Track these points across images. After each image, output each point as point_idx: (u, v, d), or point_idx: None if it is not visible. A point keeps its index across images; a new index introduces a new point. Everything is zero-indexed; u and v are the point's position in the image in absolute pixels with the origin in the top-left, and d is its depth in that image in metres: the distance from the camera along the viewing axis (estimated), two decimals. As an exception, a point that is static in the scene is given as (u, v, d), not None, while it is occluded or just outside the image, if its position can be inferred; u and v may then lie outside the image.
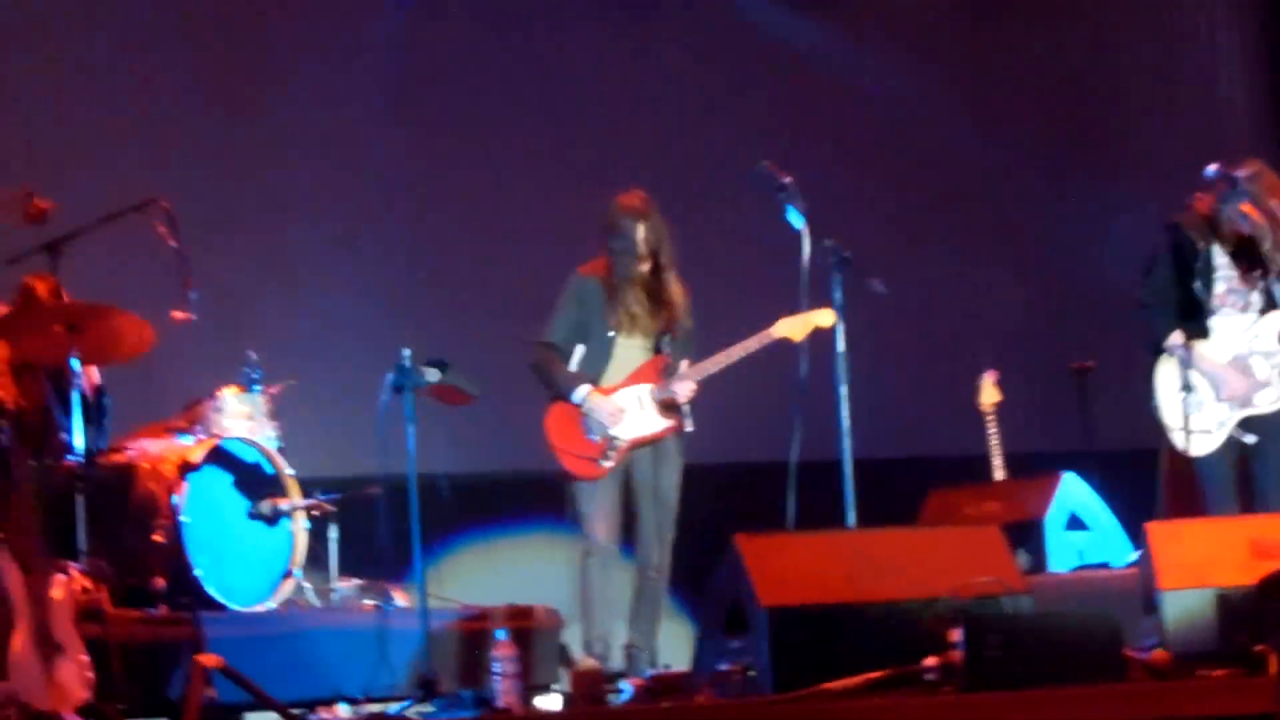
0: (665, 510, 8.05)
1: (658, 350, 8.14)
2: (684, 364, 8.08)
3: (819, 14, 11.19)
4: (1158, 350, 8.01)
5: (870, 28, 11.31)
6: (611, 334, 8.06)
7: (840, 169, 10.60)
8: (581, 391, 8.04)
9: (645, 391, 8.09)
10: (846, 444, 7.70)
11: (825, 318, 7.92)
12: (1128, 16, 11.52)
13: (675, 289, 8.14)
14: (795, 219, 7.86)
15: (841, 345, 7.76)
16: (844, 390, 7.74)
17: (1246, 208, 7.93)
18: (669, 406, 8.07)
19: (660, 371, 8.10)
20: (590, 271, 8.17)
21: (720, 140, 10.57)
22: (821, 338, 7.80)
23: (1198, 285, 7.93)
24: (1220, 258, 7.98)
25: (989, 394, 9.40)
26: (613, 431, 8.01)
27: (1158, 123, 11.34)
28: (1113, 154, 11.30)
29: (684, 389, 8.04)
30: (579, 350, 8.11)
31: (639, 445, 8.06)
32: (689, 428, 8.06)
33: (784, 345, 7.95)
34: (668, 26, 11.09)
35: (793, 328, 7.99)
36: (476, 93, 10.82)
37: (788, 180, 7.89)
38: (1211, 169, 8.00)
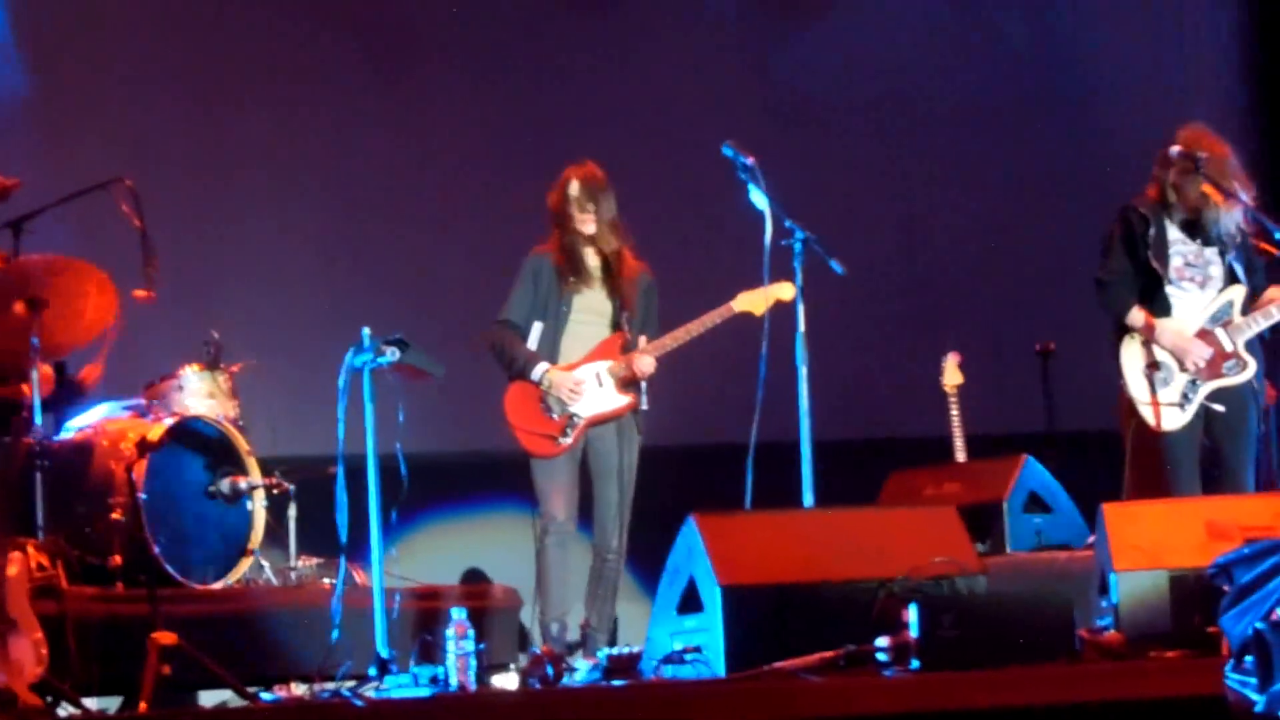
0: (623, 490, 8.07)
1: (616, 327, 8.15)
2: (642, 340, 8.11)
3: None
4: (1120, 329, 8.03)
5: (839, 6, 11.31)
6: (566, 309, 8.10)
7: (805, 149, 10.60)
8: (540, 369, 8.08)
9: (604, 368, 8.12)
10: (805, 425, 7.67)
11: (785, 291, 7.92)
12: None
13: (630, 263, 8.17)
14: (758, 199, 7.83)
15: (802, 325, 7.71)
16: (803, 371, 7.71)
17: (1208, 189, 7.96)
18: (628, 383, 8.09)
19: (619, 348, 8.12)
20: (546, 249, 8.18)
21: (685, 118, 10.56)
22: (782, 319, 7.78)
23: (1154, 262, 7.95)
24: (1174, 233, 8.00)
25: (951, 375, 9.42)
26: (572, 409, 8.04)
27: (1127, 106, 11.33)
28: (1079, 134, 11.29)
29: (644, 365, 8.06)
30: (536, 328, 8.13)
31: (597, 422, 8.08)
32: (644, 405, 8.09)
33: (745, 326, 7.97)
34: (635, 5, 11.09)
35: (753, 301, 8.05)
36: (442, 72, 10.81)
37: (751, 160, 7.85)
38: (1174, 149, 8.01)
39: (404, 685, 6.82)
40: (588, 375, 8.11)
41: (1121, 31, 11.56)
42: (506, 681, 7.55)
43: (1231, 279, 8.01)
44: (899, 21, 11.31)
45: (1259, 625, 5.50)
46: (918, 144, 11.09)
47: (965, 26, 11.44)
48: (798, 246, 7.78)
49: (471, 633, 6.89)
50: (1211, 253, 8.01)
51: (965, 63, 11.36)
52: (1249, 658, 5.52)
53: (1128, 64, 11.52)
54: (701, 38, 11.07)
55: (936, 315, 10.71)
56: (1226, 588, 5.76)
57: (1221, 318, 7.98)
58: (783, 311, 7.82)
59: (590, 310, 8.18)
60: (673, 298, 8.29)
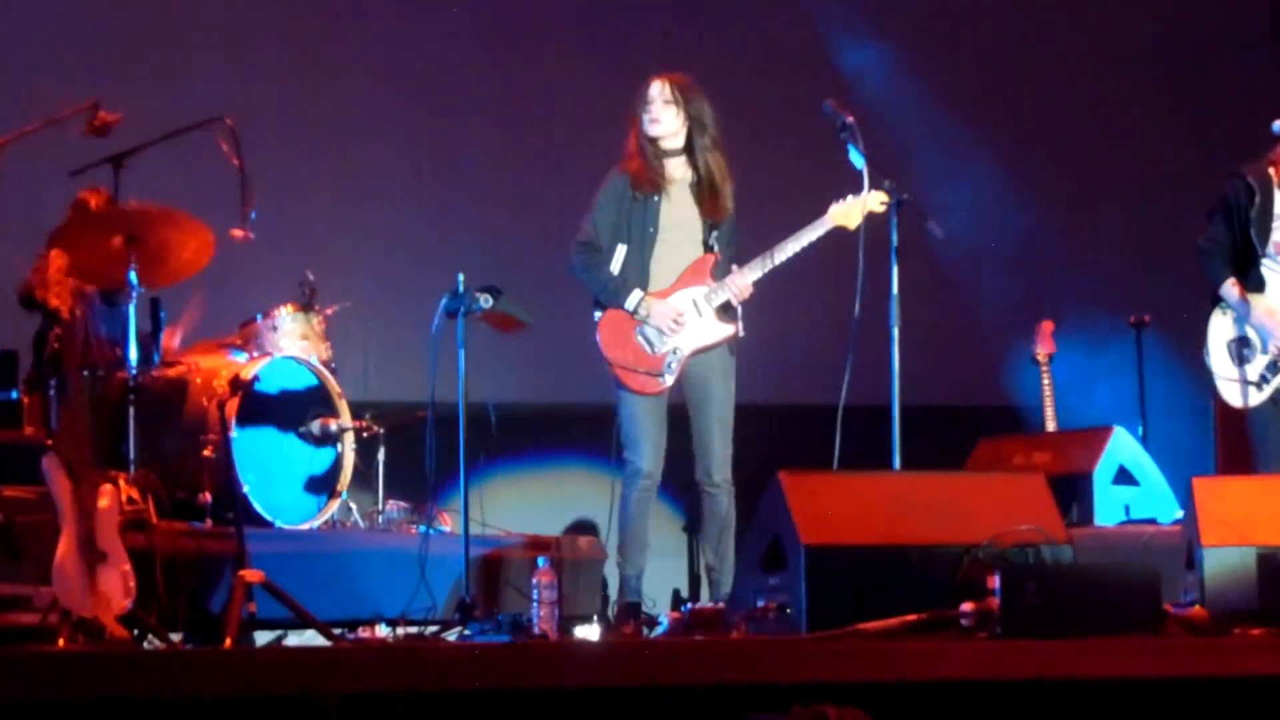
0: (725, 420, 7.68)
1: (706, 247, 7.74)
2: (733, 266, 7.69)
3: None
4: (1215, 300, 7.95)
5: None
6: (654, 229, 7.65)
7: (904, 111, 10.53)
8: (635, 298, 7.62)
9: (701, 295, 7.67)
10: (895, 388, 7.62)
11: (876, 201, 7.64)
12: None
13: (720, 173, 7.70)
14: (856, 159, 7.66)
15: (895, 288, 7.64)
16: (896, 333, 7.64)
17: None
18: (726, 309, 7.69)
19: (712, 270, 7.70)
20: (626, 166, 7.73)
21: (785, 76, 10.52)
22: (878, 281, 7.69)
23: (1253, 234, 7.85)
24: None
25: (1044, 344, 9.37)
26: (673, 341, 7.63)
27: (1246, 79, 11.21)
28: (1183, 106, 11.19)
29: (742, 288, 7.64)
30: (620, 250, 7.67)
31: (699, 354, 7.68)
32: (741, 332, 7.71)
33: (840, 285, 7.79)
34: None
35: (847, 214, 7.67)
36: (548, 18, 10.78)
37: (850, 119, 7.69)
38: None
39: (488, 631, 6.86)
40: (686, 303, 7.65)
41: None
42: (589, 633, 7.57)
43: None
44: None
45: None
46: (1022, 107, 11.01)
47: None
48: (894, 208, 7.67)
49: (556, 581, 6.93)
50: None
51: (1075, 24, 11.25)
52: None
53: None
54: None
55: (1032, 281, 10.64)
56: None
57: None
58: (879, 273, 7.70)
59: (677, 228, 7.69)
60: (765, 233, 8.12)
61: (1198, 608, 6.53)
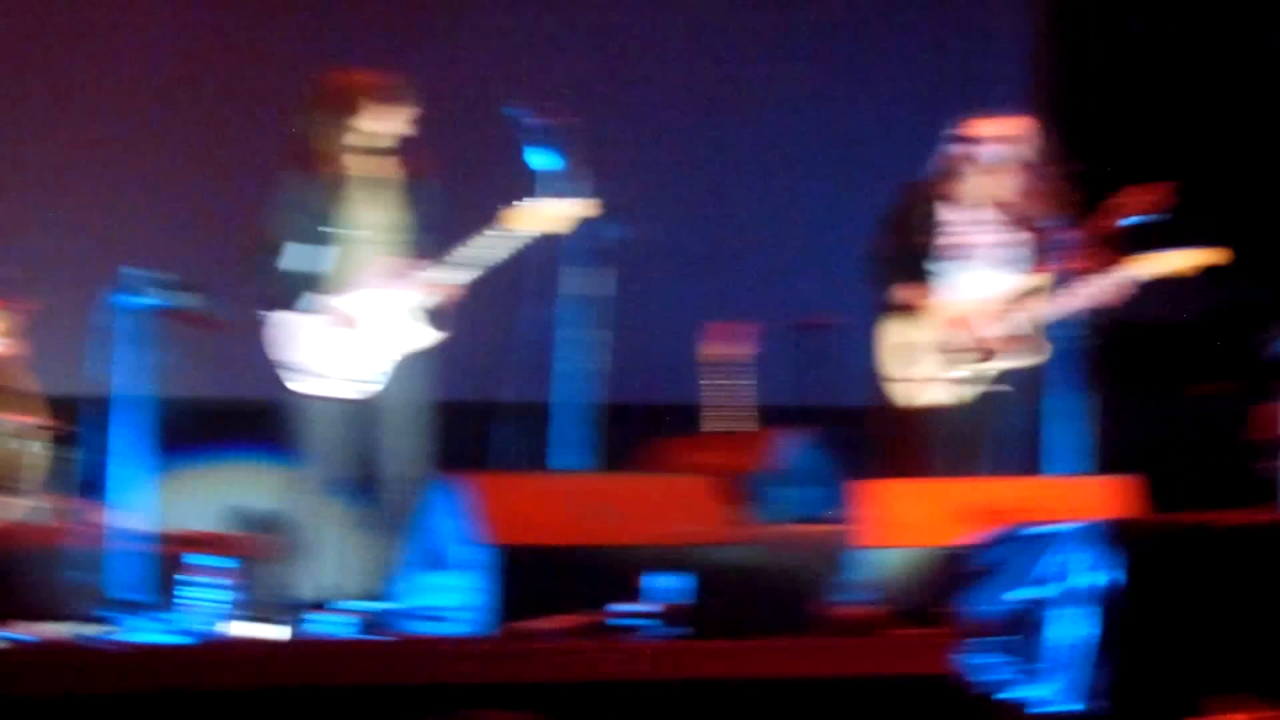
0: (415, 420, 7.60)
1: (393, 247, 7.61)
2: (430, 268, 7.59)
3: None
4: (888, 306, 8.15)
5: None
6: (343, 228, 7.49)
7: (597, 105, 10.58)
8: (319, 299, 7.52)
9: (388, 296, 7.58)
10: (576, 388, 7.67)
11: (566, 204, 7.59)
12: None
13: (415, 176, 7.61)
14: (542, 160, 7.67)
15: (582, 288, 7.72)
16: (582, 334, 7.72)
17: (986, 174, 8.13)
18: (416, 310, 7.60)
19: (400, 271, 7.58)
20: (312, 163, 7.57)
21: (468, 75, 10.51)
22: (550, 280, 7.73)
23: (925, 240, 8.08)
24: (950, 213, 8.14)
25: (716, 345, 9.48)
26: (360, 344, 7.53)
27: (913, 78, 11.45)
28: (858, 112, 11.40)
29: (430, 289, 7.56)
30: (305, 250, 7.50)
31: (384, 355, 7.59)
32: (438, 332, 7.64)
33: (520, 283, 7.81)
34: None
35: (537, 218, 7.57)
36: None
37: (536, 121, 7.70)
38: (955, 133, 8.18)
39: (155, 630, 6.78)
40: (372, 304, 7.57)
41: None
42: (261, 632, 7.50)
43: (1005, 261, 8.16)
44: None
45: (998, 608, 5.65)
46: (705, 112, 11.12)
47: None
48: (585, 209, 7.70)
49: (227, 580, 6.87)
50: (989, 235, 8.16)
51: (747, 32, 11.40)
52: (987, 639, 5.68)
53: (918, 46, 11.65)
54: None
55: (711, 282, 10.77)
56: (971, 568, 5.91)
57: (991, 300, 8.12)
58: (550, 273, 7.75)
59: (372, 228, 7.59)
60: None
61: (855, 607, 6.70)
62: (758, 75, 11.25)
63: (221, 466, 9.90)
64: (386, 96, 7.56)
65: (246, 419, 9.22)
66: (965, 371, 8.05)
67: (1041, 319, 8.07)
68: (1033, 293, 8.10)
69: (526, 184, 7.73)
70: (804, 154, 11.31)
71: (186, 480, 9.53)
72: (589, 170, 7.84)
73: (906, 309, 8.09)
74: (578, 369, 7.67)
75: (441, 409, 8.75)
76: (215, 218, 10.06)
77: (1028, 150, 8.15)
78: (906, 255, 8.11)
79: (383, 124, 7.56)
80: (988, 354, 8.05)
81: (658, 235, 9.89)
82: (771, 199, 11.16)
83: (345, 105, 7.55)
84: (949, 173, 8.17)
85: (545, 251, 7.69)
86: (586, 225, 7.71)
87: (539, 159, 7.68)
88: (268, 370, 7.78)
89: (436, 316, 7.62)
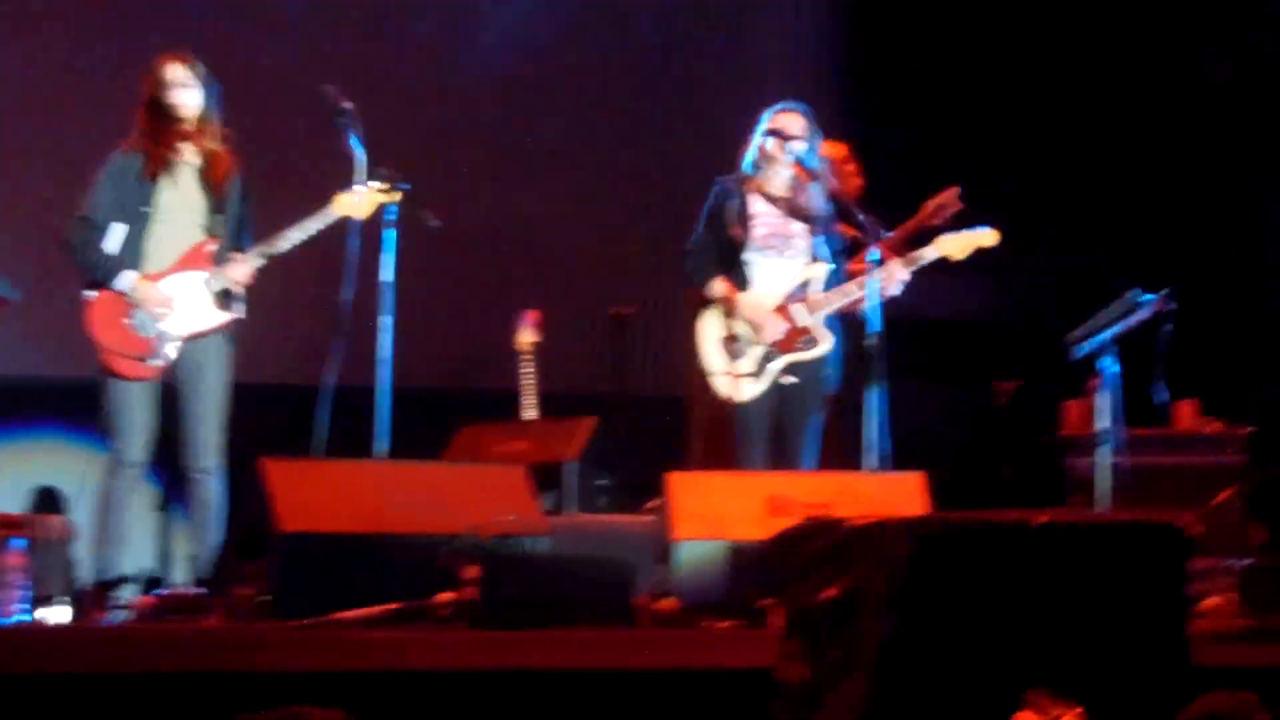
0: (218, 406, 7.55)
1: (208, 230, 7.58)
2: (236, 252, 7.59)
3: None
4: (699, 299, 8.17)
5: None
6: (151, 209, 7.47)
7: (403, 95, 10.52)
8: (128, 279, 7.44)
9: (199, 279, 7.53)
10: (385, 373, 7.62)
11: (391, 195, 7.62)
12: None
13: (224, 160, 7.60)
14: (353, 146, 7.68)
15: (390, 275, 7.67)
16: (387, 320, 7.67)
17: (796, 167, 8.18)
18: (224, 295, 7.56)
19: (212, 255, 7.57)
20: (131, 146, 7.55)
21: (290, 60, 10.39)
22: (370, 267, 7.69)
23: (736, 231, 8.10)
24: (761, 205, 8.18)
25: (527, 333, 9.47)
26: (165, 326, 7.47)
27: (714, 72, 11.49)
28: (670, 105, 11.42)
29: (241, 274, 7.54)
30: (118, 230, 7.46)
31: (192, 340, 7.53)
32: (241, 314, 7.60)
33: (329, 267, 7.78)
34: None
35: (354, 205, 7.61)
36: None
37: (348, 105, 7.72)
38: (763, 126, 8.23)
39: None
40: (181, 287, 7.51)
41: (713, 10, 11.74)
42: (56, 615, 7.36)
43: (815, 257, 8.21)
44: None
45: (812, 601, 5.67)
46: (511, 100, 11.08)
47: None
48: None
49: (27, 563, 6.74)
50: (798, 228, 8.22)
51: (572, 25, 11.37)
52: (800, 633, 5.70)
53: (720, 40, 11.69)
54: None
55: (517, 272, 10.74)
56: (783, 562, 5.92)
57: (801, 293, 8.17)
58: (370, 256, 7.70)
59: (179, 209, 7.54)
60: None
61: (669, 599, 6.71)
62: (564, 67, 11.23)
63: (18, 445, 9.74)
64: (188, 74, 7.56)
65: (42, 395, 9.07)
66: (776, 363, 8.08)
67: (833, 309, 8.14)
68: (830, 283, 8.17)
69: (337, 169, 7.69)
70: (608, 147, 11.31)
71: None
72: (395, 158, 7.81)
73: (722, 301, 8.11)
74: (390, 355, 7.61)
75: (266, 392, 8.70)
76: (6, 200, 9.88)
77: (827, 143, 8.26)
78: (722, 248, 8.15)
79: (187, 102, 7.56)
80: (797, 344, 8.10)
81: (466, 224, 9.88)
82: (577, 190, 11.13)
83: (154, 83, 7.55)
84: (759, 165, 8.21)
85: (363, 237, 7.65)
86: (399, 213, 7.66)
87: (354, 143, 7.65)
88: (70, 348, 7.66)
89: (234, 298, 7.60)
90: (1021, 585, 5.58)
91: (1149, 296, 8.96)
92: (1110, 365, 8.84)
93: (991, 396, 9.77)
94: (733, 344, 8.11)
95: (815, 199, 8.20)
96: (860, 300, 8.11)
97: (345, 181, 7.66)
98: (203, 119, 7.59)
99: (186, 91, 7.56)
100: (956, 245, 8.22)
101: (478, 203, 10.62)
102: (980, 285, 11.06)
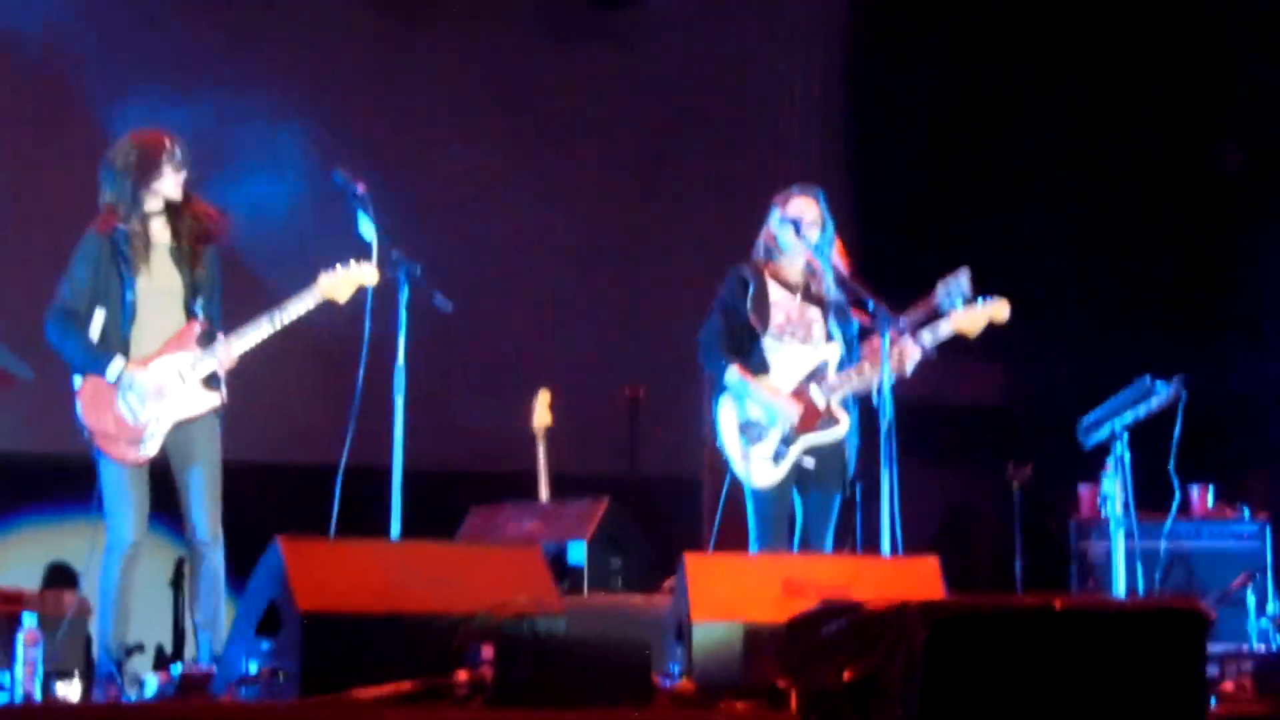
0: (213, 479, 7.59)
1: (190, 313, 7.62)
2: (219, 335, 7.60)
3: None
4: (720, 388, 8.19)
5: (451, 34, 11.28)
6: (132, 295, 7.50)
7: (415, 178, 10.56)
8: (116, 367, 7.48)
9: (185, 363, 7.57)
10: (398, 454, 7.63)
11: (368, 275, 7.65)
12: (705, 49, 11.73)
13: (202, 236, 7.63)
14: (367, 229, 7.70)
15: (402, 356, 7.68)
16: (400, 401, 7.68)
17: (808, 254, 8.22)
18: (211, 378, 7.60)
19: (197, 338, 7.60)
20: (104, 226, 7.57)
21: (293, 130, 10.41)
22: (383, 348, 7.70)
23: (753, 318, 8.12)
24: (776, 291, 8.20)
25: (541, 415, 9.49)
26: (155, 410, 7.51)
27: (726, 157, 11.55)
28: (682, 185, 11.47)
29: (227, 357, 7.57)
30: (99, 315, 7.51)
31: (182, 425, 7.57)
32: (224, 399, 7.63)
33: (345, 347, 7.80)
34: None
35: (335, 286, 7.65)
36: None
37: (361, 188, 7.73)
38: (780, 211, 8.26)
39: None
40: (168, 372, 7.56)
41: (726, 83, 11.79)
42: (70, 690, 7.35)
43: (828, 338, 8.23)
44: (509, 49, 11.31)
45: (829, 683, 5.67)
46: (525, 182, 11.12)
47: (572, 63, 11.48)
48: (402, 279, 7.68)
49: (40, 640, 6.73)
50: (813, 311, 8.23)
51: (574, 104, 11.42)
52: (817, 714, 5.70)
53: (734, 122, 11.75)
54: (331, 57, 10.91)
55: (529, 354, 10.76)
56: (800, 644, 5.92)
57: (818, 375, 8.19)
58: (383, 339, 7.72)
59: (159, 294, 7.57)
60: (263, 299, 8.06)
61: (686, 680, 6.69)
62: (577, 147, 11.29)
63: (32, 521, 9.74)
64: (178, 158, 7.60)
65: (49, 471, 9.05)
66: (795, 446, 8.09)
67: (849, 391, 8.16)
68: (843, 364, 8.19)
69: (334, 249, 7.73)
70: (620, 229, 11.36)
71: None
72: (406, 240, 7.84)
73: (738, 386, 8.12)
74: (406, 436, 7.62)
75: (276, 471, 8.72)
76: (9, 273, 9.88)
77: (832, 228, 8.30)
78: (735, 335, 8.17)
79: (173, 185, 7.61)
80: (816, 425, 8.11)
81: (479, 306, 9.90)
82: (590, 272, 11.17)
83: (147, 165, 7.57)
84: (773, 251, 8.25)
85: (376, 319, 7.69)
86: (411, 294, 7.68)
87: (366, 224, 7.68)
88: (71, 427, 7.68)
89: (218, 381, 7.65)
90: (1040, 669, 5.59)
91: (1162, 382, 8.98)
92: (1123, 451, 8.85)
93: (1006, 481, 9.76)
94: (750, 429, 8.12)
95: (828, 284, 8.23)
96: (859, 380, 8.15)
97: (358, 297, 7.70)
98: (183, 199, 7.63)
99: (176, 174, 7.61)
100: (970, 320, 8.24)
101: (490, 284, 10.64)
102: (995, 371, 11.10)
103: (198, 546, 7.60)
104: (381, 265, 7.68)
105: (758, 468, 8.11)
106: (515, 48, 11.33)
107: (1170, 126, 11.50)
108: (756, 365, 8.17)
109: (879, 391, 8.08)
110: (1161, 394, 8.95)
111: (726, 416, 8.19)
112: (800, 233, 8.17)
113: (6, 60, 10.15)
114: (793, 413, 8.10)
